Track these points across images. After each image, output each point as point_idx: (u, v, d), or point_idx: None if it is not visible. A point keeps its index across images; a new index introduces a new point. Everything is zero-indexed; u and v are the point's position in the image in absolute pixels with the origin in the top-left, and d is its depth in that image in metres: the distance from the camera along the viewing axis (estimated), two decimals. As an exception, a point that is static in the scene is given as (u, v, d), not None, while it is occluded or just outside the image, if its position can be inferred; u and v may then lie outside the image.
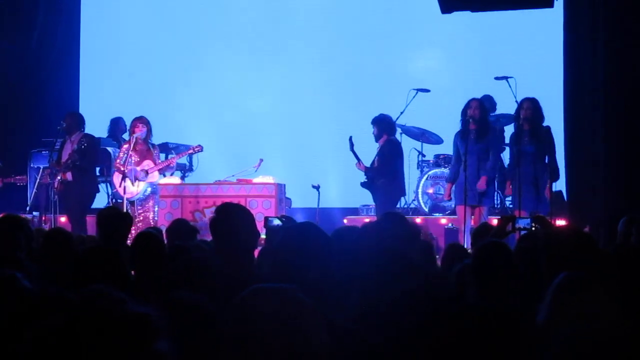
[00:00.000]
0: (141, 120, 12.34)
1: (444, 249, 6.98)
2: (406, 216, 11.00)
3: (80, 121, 12.86)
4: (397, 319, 3.77)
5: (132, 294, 4.12)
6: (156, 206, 12.42)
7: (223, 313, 3.15)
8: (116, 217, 7.29)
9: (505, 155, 12.40)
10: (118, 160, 12.48)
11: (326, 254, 4.17)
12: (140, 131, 12.28)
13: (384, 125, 12.32)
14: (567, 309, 3.48)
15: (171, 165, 12.46)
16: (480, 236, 6.51)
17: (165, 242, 7.91)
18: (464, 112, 11.37)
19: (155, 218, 12.34)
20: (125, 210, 11.79)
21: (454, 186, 11.75)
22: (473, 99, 11.48)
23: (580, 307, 3.46)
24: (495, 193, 12.77)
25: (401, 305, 3.84)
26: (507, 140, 12.37)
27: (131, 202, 12.35)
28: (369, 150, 12.50)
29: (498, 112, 13.68)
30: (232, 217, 5.55)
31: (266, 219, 7.81)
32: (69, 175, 12.48)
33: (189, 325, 3.72)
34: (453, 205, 12.39)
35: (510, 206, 12.53)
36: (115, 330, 2.51)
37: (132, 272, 5.60)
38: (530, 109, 11.05)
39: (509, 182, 11.42)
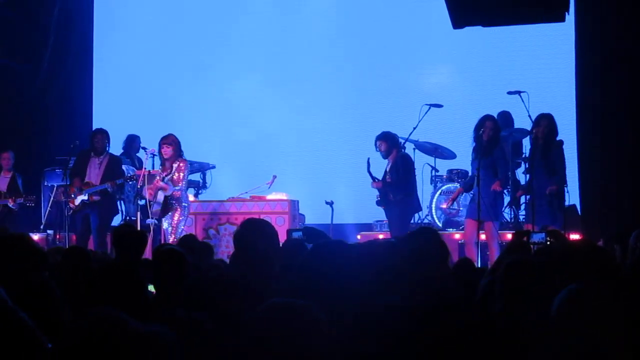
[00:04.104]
0: (163, 141, 12.32)
1: (456, 263, 6.95)
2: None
3: (109, 140, 12.91)
4: (423, 336, 3.76)
5: (149, 312, 4.13)
6: (179, 223, 12.25)
7: (237, 328, 3.16)
8: (132, 234, 7.30)
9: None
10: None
11: (352, 274, 4.17)
12: (162, 152, 12.30)
13: (392, 141, 12.33)
14: (572, 322, 3.48)
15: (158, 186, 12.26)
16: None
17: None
18: (477, 129, 11.37)
19: (178, 236, 12.05)
20: (139, 227, 11.81)
21: (463, 198, 11.83)
22: (488, 119, 11.47)
23: (586, 321, 3.46)
24: (504, 208, 12.87)
25: (426, 321, 3.83)
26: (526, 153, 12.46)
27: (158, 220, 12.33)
28: (383, 166, 12.50)
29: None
30: (256, 231, 5.58)
31: (289, 231, 7.86)
32: (96, 197, 12.51)
33: (190, 343, 3.74)
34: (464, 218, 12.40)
35: (523, 220, 12.57)
36: (120, 351, 2.51)
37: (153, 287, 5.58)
38: (548, 127, 11.07)
39: (519, 194, 11.43)
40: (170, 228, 12.19)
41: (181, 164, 12.24)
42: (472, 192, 11.66)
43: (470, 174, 11.92)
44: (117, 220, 14.14)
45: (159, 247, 7.01)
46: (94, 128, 15.66)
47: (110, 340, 2.51)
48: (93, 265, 6.52)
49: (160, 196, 12.13)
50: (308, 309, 3.02)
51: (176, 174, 12.20)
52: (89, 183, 12.53)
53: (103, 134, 12.92)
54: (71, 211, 12.57)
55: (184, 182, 12.35)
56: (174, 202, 12.21)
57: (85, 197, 12.47)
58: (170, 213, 12.21)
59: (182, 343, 3.63)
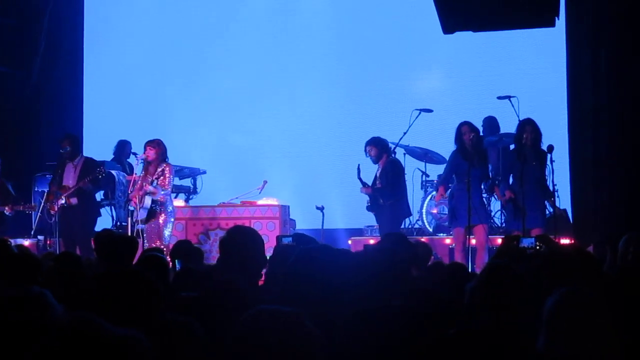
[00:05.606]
0: (148, 143, 12.28)
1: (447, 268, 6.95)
2: (411, 236, 11.05)
3: (80, 143, 12.89)
4: (401, 341, 3.76)
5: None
6: (165, 228, 12.20)
7: (225, 334, 3.16)
8: (112, 239, 7.25)
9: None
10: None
11: (338, 280, 4.17)
12: (145, 155, 12.24)
13: (382, 146, 12.34)
14: (564, 329, 3.48)
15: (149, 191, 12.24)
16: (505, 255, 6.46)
17: (170, 263, 7.91)
18: (458, 137, 11.44)
19: (165, 240, 12.07)
20: (130, 233, 11.79)
21: (449, 206, 11.84)
22: (464, 124, 11.52)
23: (578, 327, 3.46)
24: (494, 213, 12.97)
25: (408, 325, 3.83)
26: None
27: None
28: (373, 171, 12.50)
29: (501, 131, 13.67)
30: (242, 239, 5.59)
31: (278, 237, 7.85)
32: (74, 200, 12.46)
33: (177, 348, 3.72)
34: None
35: (504, 225, 12.65)
36: (96, 354, 2.50)
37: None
38: (534, 132, 11.13)
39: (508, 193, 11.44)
40: (156, 233, 12.13)
41: (166, 168, 12.18)
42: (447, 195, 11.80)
43: (447, 171, 11.87)
44: (107, 226, 14.11)
45: (144, 252, 6.99)
46: (84, 133, 15.67)
47: (82, 344, 2.50)
48: (86, 271, 6.49)
49: (148, 201, 12.08)
50: (296, 316, 3.01)
51: (162, 178, 12.14)
52: (65, 187, 12.48)
53: (67, 138, 12.83)
54: (53, 218, 12.53)
55: (170, 187, 12.32)
56: (159, 207, 12.14)
57: (63, 201, 12.41)
58: (154, 219, 12.15)
59: (170, 348, 3.62)
